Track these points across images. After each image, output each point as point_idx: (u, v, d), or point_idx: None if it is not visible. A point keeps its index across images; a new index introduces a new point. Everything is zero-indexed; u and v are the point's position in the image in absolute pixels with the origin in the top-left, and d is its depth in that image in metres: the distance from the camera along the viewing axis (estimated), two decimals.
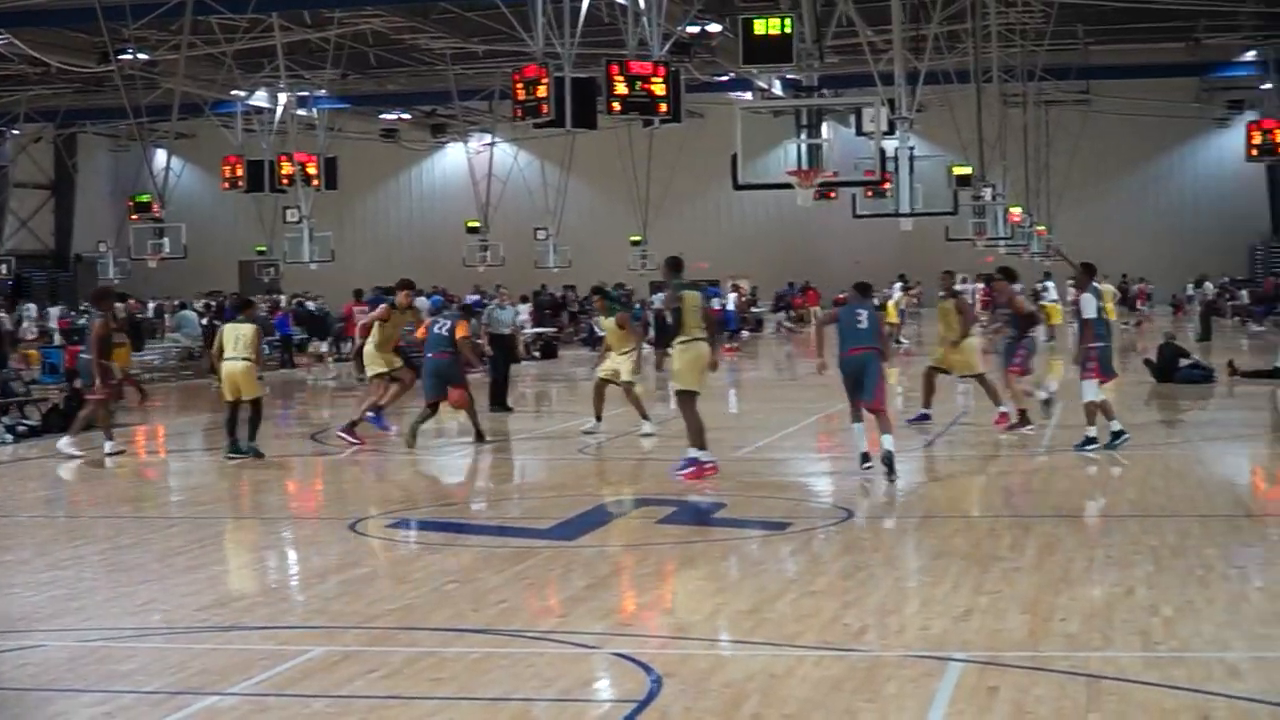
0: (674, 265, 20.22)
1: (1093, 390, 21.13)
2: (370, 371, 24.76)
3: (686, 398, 19.36)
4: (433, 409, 23.82)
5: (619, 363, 24.62)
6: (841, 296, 57.00)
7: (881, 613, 11.61)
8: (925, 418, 24.56)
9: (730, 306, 57.74)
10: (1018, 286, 25.26)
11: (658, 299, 58.40)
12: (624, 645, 10.74)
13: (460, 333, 23.74)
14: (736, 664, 10.29)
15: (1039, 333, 24.17)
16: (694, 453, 19.14)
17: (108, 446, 23.90)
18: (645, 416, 24.47)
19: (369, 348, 24.65)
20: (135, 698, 9.79)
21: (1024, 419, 23.36)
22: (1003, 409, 23.46)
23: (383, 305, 25.97)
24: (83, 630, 11.78)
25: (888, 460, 18.46)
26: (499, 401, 29.49)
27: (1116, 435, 21.23)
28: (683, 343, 19.32)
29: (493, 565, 14.04)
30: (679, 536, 15.49)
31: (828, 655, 10.35)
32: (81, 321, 24.41)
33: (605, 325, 25.54)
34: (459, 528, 16.60)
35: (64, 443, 24.14)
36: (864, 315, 19.37)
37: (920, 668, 9.99)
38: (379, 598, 12.75)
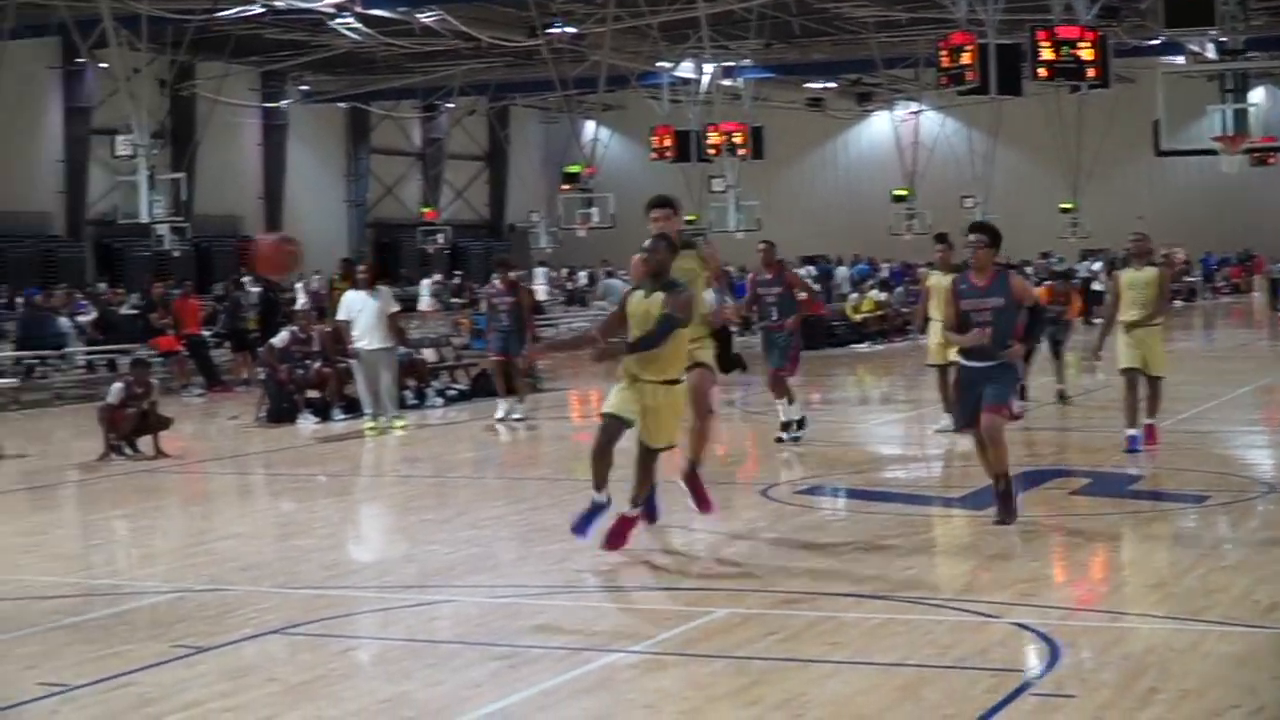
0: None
1: None
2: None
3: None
4: None
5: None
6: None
7: None
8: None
9: None
10: None
11: (1083, 268, 57.49)
12: (1025, 615, 10.61)
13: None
14: (1137, 637, 10.12)
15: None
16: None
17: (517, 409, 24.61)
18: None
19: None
20: (540, 652, 10.09)
21: None
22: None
23: None
24: (494, 587, 12.21)
25: None
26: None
27: None
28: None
29: (902, 532, 14.09)
30: (1091, 508, 15.27)
31: (1233, 631, 10.11)
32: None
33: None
34: (871, 495, 16.62)
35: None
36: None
37: None
38: (786, 562, 12.90)
